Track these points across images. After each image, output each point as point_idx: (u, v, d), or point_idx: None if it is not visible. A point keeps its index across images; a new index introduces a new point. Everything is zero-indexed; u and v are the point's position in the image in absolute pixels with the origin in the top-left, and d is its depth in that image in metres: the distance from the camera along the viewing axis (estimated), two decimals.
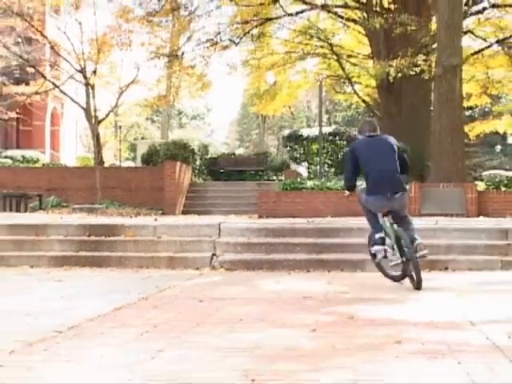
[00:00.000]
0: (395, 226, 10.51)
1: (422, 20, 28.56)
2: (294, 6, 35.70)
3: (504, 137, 51.85)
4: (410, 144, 27.84)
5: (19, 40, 37.73)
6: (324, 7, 34.48)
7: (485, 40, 34.72)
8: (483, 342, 6.38)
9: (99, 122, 34.37)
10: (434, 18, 29.11)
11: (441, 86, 23.81)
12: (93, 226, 15.22)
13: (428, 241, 13.57)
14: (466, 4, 30.02)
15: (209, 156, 36.53)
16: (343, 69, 36.52)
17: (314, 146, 28.11)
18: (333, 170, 27.28)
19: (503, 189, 23.13)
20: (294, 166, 32.78)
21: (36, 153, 43.79)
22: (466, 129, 34.00)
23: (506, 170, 30.13)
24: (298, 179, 26.26)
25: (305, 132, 32.28)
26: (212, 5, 32.92)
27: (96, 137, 33.99)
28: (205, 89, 39.27)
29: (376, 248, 10.59)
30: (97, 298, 9.41)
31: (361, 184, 11.33)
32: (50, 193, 29.29)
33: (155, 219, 18.15)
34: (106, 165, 35.97)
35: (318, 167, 27.80)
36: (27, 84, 40.74)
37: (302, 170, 31.54)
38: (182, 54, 34.35)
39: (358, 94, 39.13)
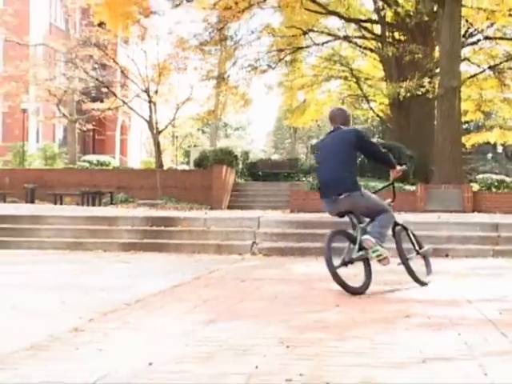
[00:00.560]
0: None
1: (428, 49, 28.51)
2: (320, 37, 35.74)
3: (494, 146, 51.79)
4: (417, 152, 27.77)
5: (96, 66, 38.02)
6: (345, 38, 34.60)
7: (479, 66, 34.68)
8: (478, 317, 6.34)
9: (159, 132, 34.52)
10: (437, 48, 29.01)
11: (443, 104, 23.82)
12: (154, 218, 15.30)
13: (431, 232, 13.59)
14: (464, 36, 29.93)
15: (249, 161, 36.55)
16: (361, 89, 36.70)
17: None
18: None
19: (494, 190, 23.30)
20: None
21: (108, 157, 43.98)
22: (463, 139, 33.81)
23: (496, 173, 29.96)
24: None
25: None
26: (253, 36, 32.96)
27: (157, 144, 34.21)
28: (246, 105, 39.21)
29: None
30: (158, 277, 9.44)
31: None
32: (119, 190, 29.48)
33: (205, 213, 18.18)
34: (164, 168, 36.08)
35: None
36: (102, 101, 40.97)
37: None
38: (228, 76, 34.42)
39: (373, 110, 39.24)
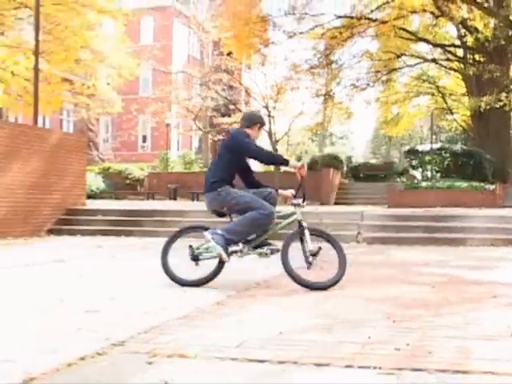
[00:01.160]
0: None
1: (504, 68, 27.67)
2: (411, 60, 35.24)
3: None
4: (495, 157, 27.09)
5: (224, 87, 38.69)
6: (433, 60, 34.03)
7: None
8: None
9: (277, 141, 34.69)
10: None
11: None
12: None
13: (508, 225, 13.23)
14: None
15: (352, 164, 36.45)
16: (446, 103, 36.08)
17: (426, 158, 27.50)
18: (439, 174, 26.68)
19: None
20: (412, 172, 32.28)
21: None
22: None
23: None
24: (415, 181, 25.85)
25: (419, 147, 31.56)
26: (354, 60, 32.57)
27: (275, 151, 34.37)
28: (348, 118, 38.86)
29: None
30: (277, 261, 9.47)
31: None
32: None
33: (317, 208, 18.18)
34: (281, 171, 36.24)
35: (429, 172, 27.33)
36: (229, 116, 41.45)
37: (417, 174, 30.92)
38: (333, 94, 34.15)
39: (456, 121, 38.51)
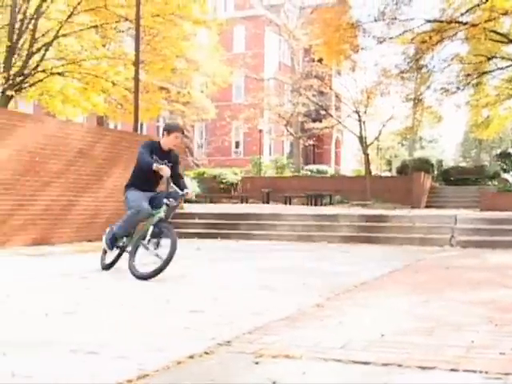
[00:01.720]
0: None
1: None
2: (502, 62, 34.25)
3: None
4: None
5: (315, 93, 38.65)
6: None
7: None
8: None
9: (367, 145, 34.35)
10: None
11: None
12: (368, 216, 15.27)
13: None
14: None
15: (442, 168, 35.75)
16: None
17: None
18: None
19: None
20: (503, 175, 31.42)
21: (325, 167, 44.47)
22: None
23: None
24: (508, 184, 25.13)
25: (511, 151, 30.79)
26: (444, 64, 31.95)
27: (366, 156, 34.05)
28: (438, 121, 38.11)
29: None
30: (374, 263, 9.42)
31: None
32: (335, 193, 29.68)
33: (409, 211, 17.93)
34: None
35: None
36: (320, 121, 41.43)
37: (509, 177, 30.10)
38: (423, 98, 33.64)
39: None
